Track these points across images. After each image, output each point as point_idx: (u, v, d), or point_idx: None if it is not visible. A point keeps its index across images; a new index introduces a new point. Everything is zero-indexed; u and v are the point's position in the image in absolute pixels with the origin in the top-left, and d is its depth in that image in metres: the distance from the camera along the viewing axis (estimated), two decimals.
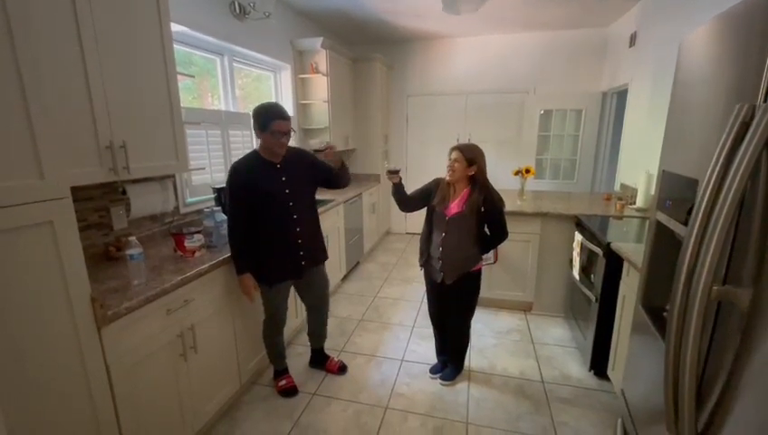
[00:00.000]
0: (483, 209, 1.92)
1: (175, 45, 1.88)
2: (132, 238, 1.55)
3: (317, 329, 2.30)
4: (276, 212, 1.88)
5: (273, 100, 3.70)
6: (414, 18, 3.92)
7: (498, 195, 1.96)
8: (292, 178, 1.91)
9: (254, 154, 1.90)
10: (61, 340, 1.17)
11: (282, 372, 2.21)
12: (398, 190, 2.07)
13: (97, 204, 1.82)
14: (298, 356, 2.47)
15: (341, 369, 2.28)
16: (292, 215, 1.92)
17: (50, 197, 1.12)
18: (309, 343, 2.38)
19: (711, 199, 0.77)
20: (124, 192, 1.87)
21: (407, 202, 2.10)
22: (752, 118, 0.72)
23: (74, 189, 1.40)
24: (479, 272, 2.06)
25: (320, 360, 2.35)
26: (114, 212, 1.89)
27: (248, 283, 1.90)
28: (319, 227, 2.12)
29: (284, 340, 2.22)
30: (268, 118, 1.77)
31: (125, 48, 1.58)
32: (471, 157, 1.91)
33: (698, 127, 0.99)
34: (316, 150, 2.02)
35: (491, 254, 2.44)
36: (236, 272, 1.88)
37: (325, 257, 2.16)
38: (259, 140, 1.86)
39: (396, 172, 2.02)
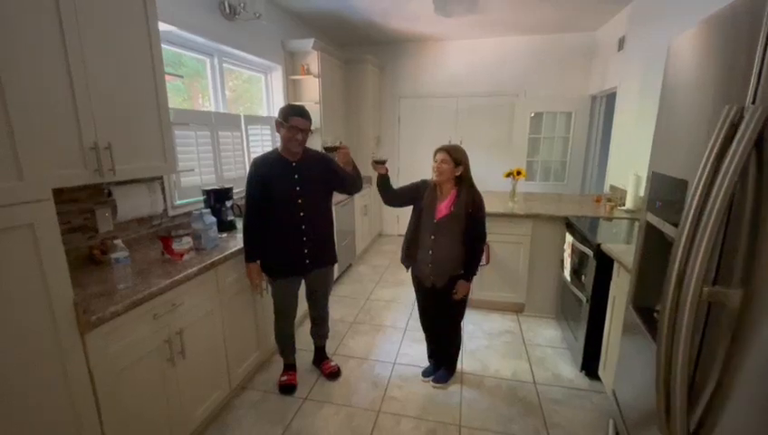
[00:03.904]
0: (470, 211, 1.91)
1: (163, 45, 1.85)
2: (118, 241, 1.52)
3: (315, 328, 2.32)
4: (285, 208, 1.94)
5: (264, 101, 3.68)
6: (406, 20, 3.93)
7: (481, 196, 1.96)
8: (305, 177, 1.96)
9: (274, 151, 2.01)
10: (42, 346, 1.13)
11: (288, 367, 2.24)
12: (384, 182, 2.03)
13: (81, 206, 1.78)
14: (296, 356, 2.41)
15: (332, 374, 2.26)
16: (300, 213, 1.95)
17: (30, 199, 1.08)
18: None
19: (701, 200, 0.77)
20: (110, 194, 1.83)
21: (392, 195, 2.06)
22: (740, 119, 0.72)
23: (57, 191, 1.37)
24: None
25: (319, 358, 2.36)
26: (99, 215, 1.85)
27: (252, 270, 2.00)
28: (330, 230, 2.13)
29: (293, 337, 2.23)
30: (289, 113, 1.88)
31: (110, 46, 1.55)
32: (457, 157, 1.90)
33: (687, 129, 1.00)
34: (327, 148, 2.03)
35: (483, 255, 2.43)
36: (245, 259, 1.99)
37: (332, 261, 2.17)
38: (279, 136, 1.95)
39: (383, 163, 1.99)
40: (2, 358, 1.04)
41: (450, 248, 1.95)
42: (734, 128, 0.73)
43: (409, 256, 2.07)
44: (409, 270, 2.14)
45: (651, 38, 2.91)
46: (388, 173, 2.03)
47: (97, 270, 1.67)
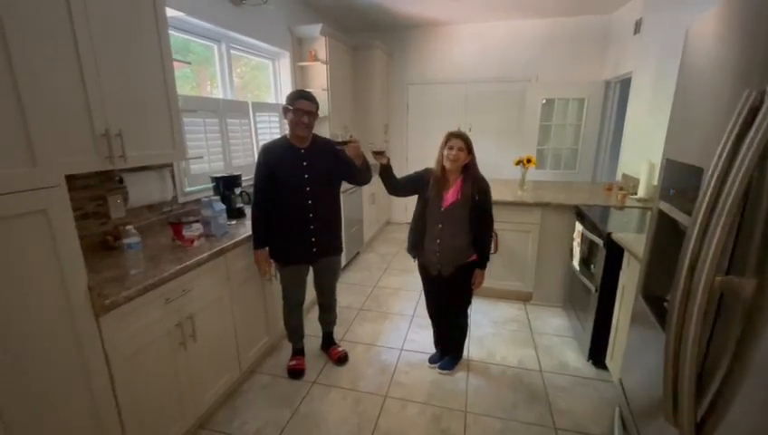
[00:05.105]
0: (477, 198, 1.89)
1: (171, 32, 1.84)
2: (129, 227, 1.55)
3: (323, 314, 2.35)
4: (292, 196, 1.94)
5: (272, 88, 3.66)
6: (414, 4, 3.84)
7: (487, 182, 1.95)
8: (313, 165, 1.95)
9: (283, 137, 2.01)
10: (58, 329, 1.17)
11: (296, 352, 2.29)
12: (386, 172, 2.00)
13: (94, 193, 1.80)
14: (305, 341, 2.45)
15: (340, 360, 2.30)
16: (307, 201, 1.95)
17: (43, 185, 1.10)
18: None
19: (716, 188, 0.75)
20: (121, 181, 1.85)
21: (396, 185, 2.04)
22: (761, 103, 0.70)
23: (70, 178, 1.39)
24: (474, 262, 2.04)
25: (327, 344, 2.40)
26: (111, 201, 1.87)
27: (260, 257, 2.02)
28: (337, 219, 2.14)
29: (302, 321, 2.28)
30: (294, 97, 1.89)
31: (119, 33, 1.55)
32: (470, 145, 1.89)
33: (704, 114, 0.97)
34: (338, 143, 2.01)
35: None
36: (253, 246, 2.01)
37: (339, 250, 2.19)
38: (286, 122, 1.95)
39: (381, 153, 1.96)
40: (20, 341, 1.08)
41: (458, 236, 1.94)
42: (753, 112, 0.71)
43: (416, 247, 2.07)
44: (415, 258, 2.14)
45: (669, 21, 2.81)
46: (390, 162, 2.01)
47: (110, 255, 1.70)
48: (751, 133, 0.69)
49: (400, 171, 2.05)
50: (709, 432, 0.78)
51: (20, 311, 1.07)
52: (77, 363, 1.23)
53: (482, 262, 2.01)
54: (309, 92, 1.93)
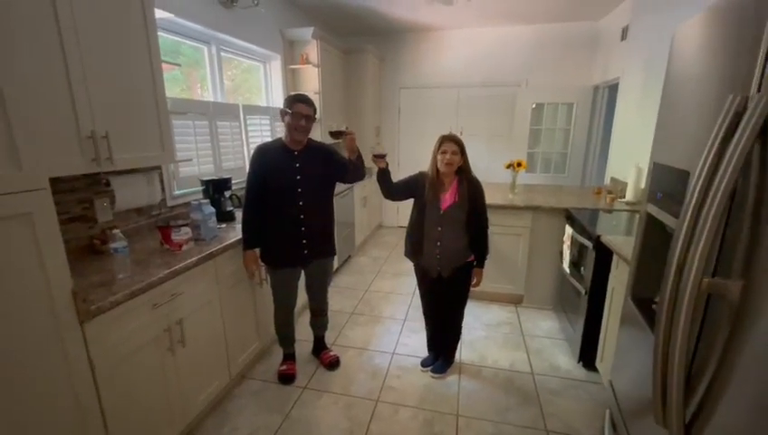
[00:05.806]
0: (473, 198, 1.93)
1: (161, 33, 1.82)
2: (116, 231, 1.52)
3: (314, 319, 2.33)
4: (284, 197, 1.94)
5: (263, 91, 3.64)
6: (406, 9, 3.87)
7: (480, 181, 1.99)
8: (305, 167, 1.95)
9: (278, 140, 2.02)
10: (41, 335, 1.14)
11: (287, 356, 2.26)
12: (384, 176, 2.01)
13: (80, 196, 1.77)
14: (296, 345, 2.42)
15: (332, 364, 2.28)
16: (299, 203, 1.95)
17: (27, 187, 1.07)
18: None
19: (702, 191, 0.77)
20: (108, 184, 1.82)
21: (393, 190, 2.05)
22: (744, 108, 0.71)
23: (56, 181, 1.37)
24: (472, 262, 2.06)
25: (318, 349, 2.38)
26: (98, 204, 1.84)
27: (249, 258, 2.00)
28: (329, 221, 2.13)
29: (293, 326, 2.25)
30: (293, 101, 1.90)
31: (106, 34, 1.52)
32: (463, 147, 1.92)
33: (690, 118, 0.99)
34: (333, 132, 2.00)
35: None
36: (242, 247, 1.99)
37: (332, 252, 2.17)
38: (283, 125, 1.95)
39: (382, 156, 1.96)
40: (2, 347, 1.05)
41: (457, 238, 1.96)
42: (738, 117, 0.72)
43: (415, 251, 2.07)
44: (415, 263, 2.14)
45: (655, 27, 2.87)
46: (388, 166, 2.01)
47: (97, 260, 1.67)
48: (735, 137, 0.70)
49: (392, 174, 2.05)
50: (698, 433, 0.79)
51: (1, 316, 1.04)
52: (62, 369, 1.19)
53: (480, 261, 2.04)
54: (307, 96, 1.94)
